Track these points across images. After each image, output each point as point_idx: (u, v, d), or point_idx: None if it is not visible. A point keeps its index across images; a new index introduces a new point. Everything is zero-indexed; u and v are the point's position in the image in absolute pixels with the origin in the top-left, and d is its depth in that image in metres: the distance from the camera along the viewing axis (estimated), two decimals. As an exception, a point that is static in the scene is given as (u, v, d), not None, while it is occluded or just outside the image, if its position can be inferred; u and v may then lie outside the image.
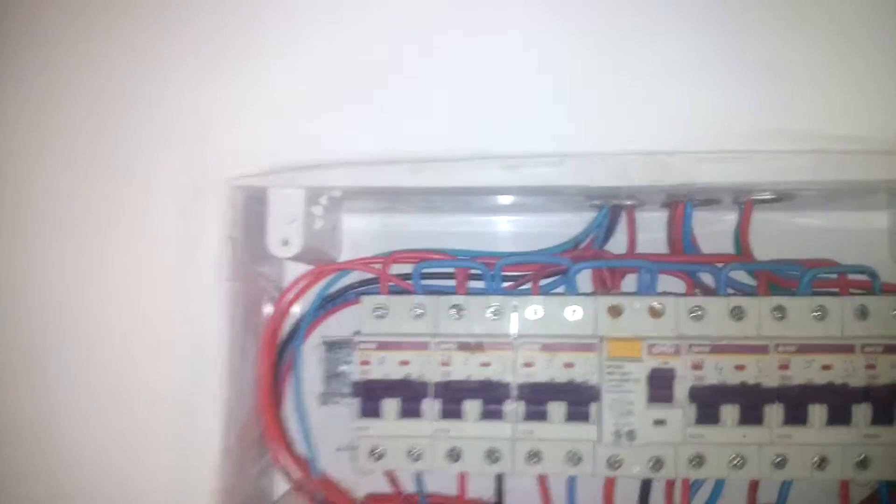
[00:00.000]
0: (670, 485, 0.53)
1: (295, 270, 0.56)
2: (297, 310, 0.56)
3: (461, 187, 0.49)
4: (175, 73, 0.52)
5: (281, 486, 0.57)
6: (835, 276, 0.52)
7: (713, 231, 0.56)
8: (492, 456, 0.51)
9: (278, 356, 0.56)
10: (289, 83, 0.51)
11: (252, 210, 0.49)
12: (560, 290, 0.54)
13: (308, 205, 0.49)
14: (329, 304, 0.56)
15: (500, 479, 0.54)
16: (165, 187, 0.50)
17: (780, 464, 0.49)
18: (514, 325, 0.51)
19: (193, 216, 0.49)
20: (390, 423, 0.50)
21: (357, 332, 0.51)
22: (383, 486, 0.56)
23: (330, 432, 0.54)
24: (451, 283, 0.54)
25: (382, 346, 0.50)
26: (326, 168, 0.48)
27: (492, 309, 0.51)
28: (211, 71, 0.51)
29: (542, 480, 0.52)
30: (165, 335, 0.49)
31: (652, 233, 0.57)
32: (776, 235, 0.57)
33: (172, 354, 0.48)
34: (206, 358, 0.48)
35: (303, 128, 0.50)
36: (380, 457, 0.51)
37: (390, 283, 0.54)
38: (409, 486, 0.54)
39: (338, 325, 0.56)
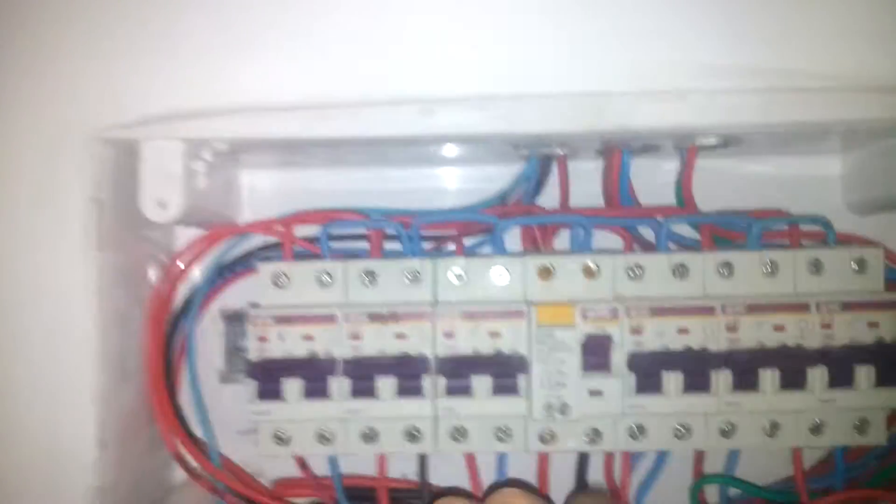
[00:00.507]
0: (609, 458, 0.48)
1: (188, 236, 0.49)
2: (193, 279, 0.49)
3: (370, 137, 0.42)
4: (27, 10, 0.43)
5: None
6: (785, 227, 0.48)
7: (653, 182, 0.51)
8: (411, 435, 0.45)
9: (170, 332, 0.49)
10: (165, 20, 0.43)
11: (124, 167, 0.42)
12: (487, 251, 0.48)
13: (188, 160, 0.42)
14: (227, 272, 0.49)
15: (423, 457, 0.48)
16: (21, 144, 0.42)
17: (728, 432, 0.45)
18: (432, 292, 0.45)
19: (55, 176, 0.41)
20: (293, 405, 0.44)
21: (253, 305, 0.45)
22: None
23: (234, 414, 0.49)
24: (365, 246, 0.48)
25: (282, 319, 0.44)
26: (208, 117, 0.41)
27: (408, 273, 0.45)
28: (71, 7, 0.43)
29: (470, 458, 0.47)
30: (29, 315, 0.41)
31: (586, 185, 0.51)
32: (721, 185, 0.52)
33: (35, 337, 0.41)
34: (76, 339, 0.41)
35: (182, 71, 0.42)
36: (285, 441, 0.45)
37: (296, 248, 0.47)
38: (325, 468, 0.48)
39: (239, 295, 0.50)
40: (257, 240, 0.50)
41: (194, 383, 0.48)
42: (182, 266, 0.49)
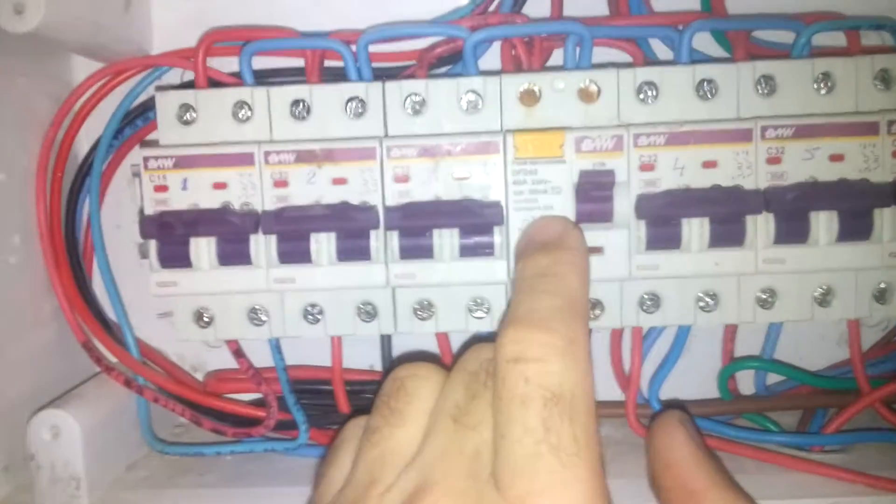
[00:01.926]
0: (616, 336, 0.38)
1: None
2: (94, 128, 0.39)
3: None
4: None
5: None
6: (842, 37, 0.37)
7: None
8: (364, 311, 0.36)
9: (74, 194, 0.39)
10: None
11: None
12: (457, 77, 0.37)
13: (46, -54, 0.32)
14: (138, 119, 0.39)
15: (385, 340, 0.39)
16: None
17: (768, 301, 0.35)
18: (382, 125, 0.34)
19: None
20: (207, 273, 0.34)
21: (148, 144, 0.35)
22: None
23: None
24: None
25: (185, 162, 0.34)
26: None
27: (351, 102, 0.35)
28: None
29: (442, 339, 0.38)
30: None
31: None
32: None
33: None
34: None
35: None
36: (208, 322, 0.36)
37: (217, 84, 0.37)
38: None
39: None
40: (171, 80, 0.39)
41: (101, 256, 0.39)
42: (77, 108, 0.38)
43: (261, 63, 0.37)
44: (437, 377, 0.25)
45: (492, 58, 0.38)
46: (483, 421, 0.22)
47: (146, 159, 0.34)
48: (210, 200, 0.34)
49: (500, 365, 0.22)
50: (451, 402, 0.23)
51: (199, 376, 0.44)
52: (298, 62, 0.38)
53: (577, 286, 0.25)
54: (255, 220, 0.34)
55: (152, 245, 0.34)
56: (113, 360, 0.40)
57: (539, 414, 0.21)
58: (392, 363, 0.40)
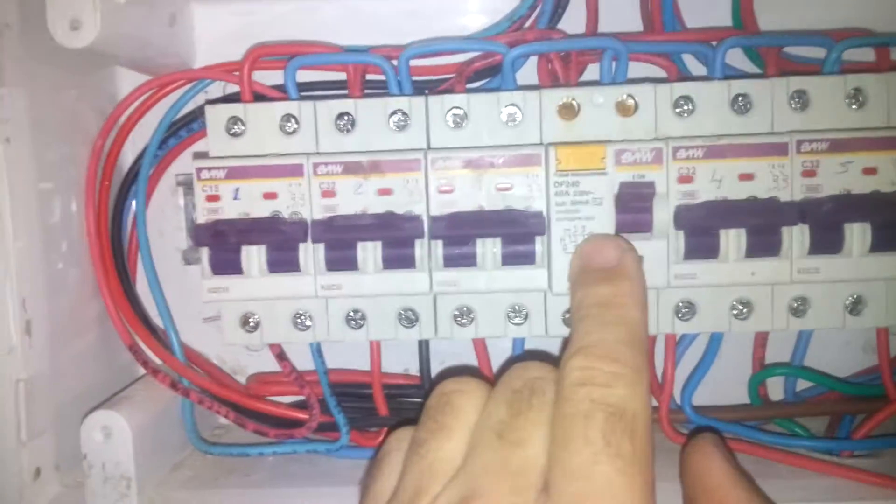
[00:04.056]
0: (650, 342, 0.39)
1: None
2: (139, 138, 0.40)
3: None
4: None
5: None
6: (871, 52, 0.38)
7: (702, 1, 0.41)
8: (405, 317, 0.37)
9: (120, 202, 0.41)
10: None
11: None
12: (496, 91, 0.38)
13: (104, -34, 0.33)
14: (182, 130, 0.40)
15: (423, 345, 0.40)
16: None
17: (800, 309, 0.36)
18: (425, 137, 0.36)
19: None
20: (256, 280, 0.36)
21: (200, 156, 0.36)
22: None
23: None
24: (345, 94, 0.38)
25: (236, 173, 0.35)
26: None
27: (394, 116, 0.36)
28: None
29: (479, 345, 0.39)
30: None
31: (621, 11, 0.41)
32: (788, 9, 0.42)
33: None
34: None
35: None
36: (254, 326, 0.37)
37: (260, 97, 0.38)
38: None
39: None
40: (215, 92, 0.41)
41: (147, 262, 0.40)
42: (124, 120, 0.40)
43: (301, 76, 0.38)
44: (483, 393, 0.25)
45: (528, 71, 0.39)
46: (526, 438, 0.23)
47: (199, 170, 0.35)
48: (261, 210, 0.35)
49: (565, 388, 0.23)
50: (494, 418, 0.24)
51: (240, 379, 0.45)
52: (337, 75, 0.39)
53: (639, 318, 0.26)
54: (304, 229, 0.35)
55: (204, 252, 0.35)
56: (158, 362, 0.41)
57: (601, 428, 0.21)
58: (433, 376, 0.40)
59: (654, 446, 0.22)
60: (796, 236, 0.34)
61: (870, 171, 0.34)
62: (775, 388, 0.41)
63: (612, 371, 0.23)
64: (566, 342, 0.25)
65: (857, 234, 0.34)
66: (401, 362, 0.44)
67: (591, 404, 0.22)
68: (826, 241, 0.34)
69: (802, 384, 0.41)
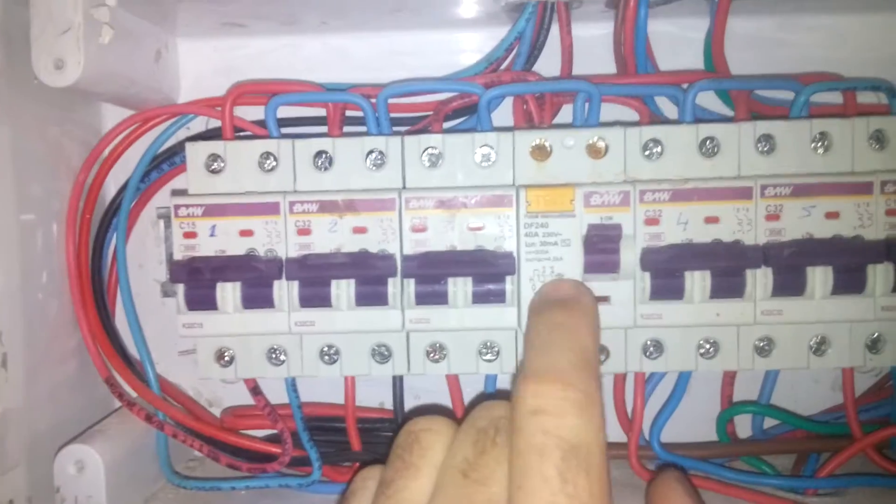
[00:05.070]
0: (619, 380, 0.40)
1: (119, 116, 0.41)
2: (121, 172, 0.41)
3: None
4: None
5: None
6: (839, 95, 0.38)
7: (676, 42, 0.42)
8: (379, 353, 0.37)
9: (101, 235, 0.41)
10: None
11: (14, 17, 0.34)
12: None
13: (88, 6, 0.33)
14: (164, 164, 0.41)
15: (397, 381, 0.40)
16: None
17: (766, 349, 0.36)
18: (401, 176, 0.36)
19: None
20: (231, 316, 0.36)
21: (177, 193, 0.37)
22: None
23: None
24: (324, 130, 0.39)
25: (213, 211, 0.36)
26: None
27: (371, 154, 0.36)
28: None
29: (452, 380, 0.39)
30: None
31: (594, 53, 0.42)
32: (759, 50, 0.43)
33: None
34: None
35: None
36: (229, 361, 0.38)
37: (241, 132, 0.39)
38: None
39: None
40: (198, 127, 0.41)
41: (126, 295, 0.40)
42: (107, 154, 0.40)
43: (283, 111, 0.39)
44: (450, 431, 0.26)
45: (504, 111, 0.40)
46: (491, 476, 0.23)
47: (177, 207, 0.36)
48: (236, 247, 0.36)
49: (518, 417, 0.23)
50: (460, 456, 0.24)
51: (215, 411, 0.45)
52: (318, 110, 0.40)
53: (589, 342, 0.26)
54: (278, 267, 0.35)
55: (180, 288, 0.36)
56: (133, 395, 0.41)
57: (556, 465, 0.21)
58: (406, 412, 0.41)
59: (609, 478, 0.22)
60: (760, 279, 0.35)
61: (832, 216, 0.35)
62: (743, 426, 0.42)
63: (563, 397, 0.23)
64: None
65: (819, 277, 0.35)
66: (377, 396, 0.44)
67: (545, 437, 0.22)
68: (789, 283, 0.35)
69: (770, 422, 0.42)
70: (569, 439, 0.22)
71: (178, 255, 0.36)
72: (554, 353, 0.25)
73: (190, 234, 0.36)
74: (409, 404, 0.42)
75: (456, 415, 0.39)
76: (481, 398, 0.35)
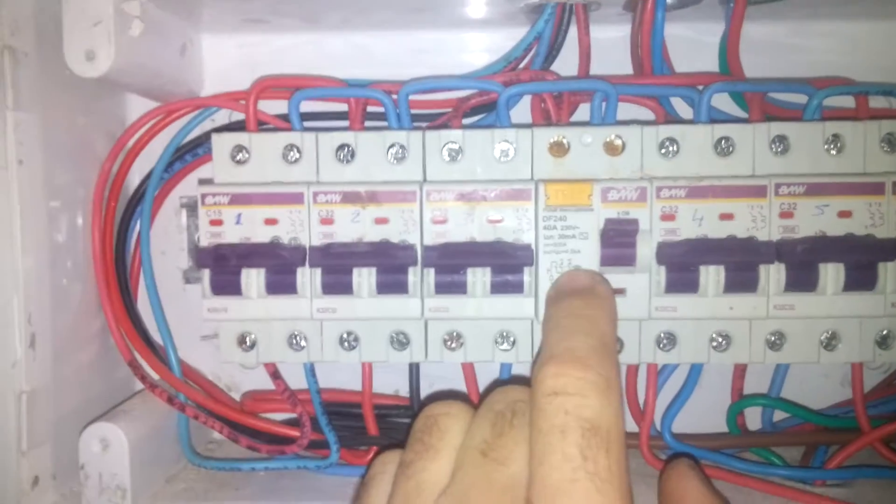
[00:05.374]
0: (632, 372, 0.41)
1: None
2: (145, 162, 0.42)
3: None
4: None
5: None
6: (851, 99, 0.39)
7: (692, 45, 0.43)
8: (397, 341, 0.38)
9: (125, 223, 0.42)
10: None
11: (47, 10, 0.35)
12: (490, 127, 0.40)
13: (119, 1, 0.34)
14: (187, 154, 0.42)
15: (413, 368, 0.41)
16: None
17: (777, 343, 0.37)
18: (421, 170, 0.37)
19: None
20: (254, 301, 0.37)
21: (205, 182, 0.38)
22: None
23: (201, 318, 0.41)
24: (344, 125, 0.40)
25: (239, 199, 0.37)
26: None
27: (393, 148, 0.37)
28: None
29: (468, 369, 0.40)
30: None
31: (611, 55, 0.43)
32: (773, 55, 0.44)
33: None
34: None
35: None
36: (251, 346, 0.38)
37: (263, 125, 0.40)
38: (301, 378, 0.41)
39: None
40: (221, 119, 0.42)
41: (149, 280, 0.41)
42: (132, 144, 0.41)
43: (305, 106, 0.40)
44: (467, 415, 0.26)
45: (522, 109, 0.40)
46: (510, 456, 0.24)
47: (204, 195, 0.37)
48: (261, 235, 0.37)
49: (538, 398, 0.24)
50: (479, 438, 0.25)
51: (234, 395, 0.46)
52: (339, 105, 0.41)
53: (607, 329, 0.27)
54: (302, 254, 0.36)
55: (206, 274, 0.37)
56: (156, 377, 0.42)
57: (577, 443, 0.22)
58: (422, 398, 0.42)
59: (628, 458, 0.23)
60: (773, 274, 0.36)
61: (845, 214, 0.36)
62: (753, 418, 0.43)
63: (583, 378, 0.23)
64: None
65: (831, 273, 0.36)
66: (392, 383, 0.45)
67: (566, 417, 0.23)
68: (801, 279, 0.36)
69: (779, 415, 0.42)
70: (589, 419, 0.22)
71: (204, 242, 0.37)
72: (573, 339, 0.25)
73: (216, 222, 0.37)
74: (423, 392, 0.43)
75: (471, 401, 0.40)
76: (496, 384, 0.36)
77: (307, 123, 0.39)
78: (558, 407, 0.23)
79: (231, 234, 0.37)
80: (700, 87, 0.39)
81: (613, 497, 0.22)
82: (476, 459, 0.24)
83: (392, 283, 0.36)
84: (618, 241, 0.35)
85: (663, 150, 0.37)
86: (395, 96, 0.39)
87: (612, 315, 0.28)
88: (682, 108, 0.41)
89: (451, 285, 0.36)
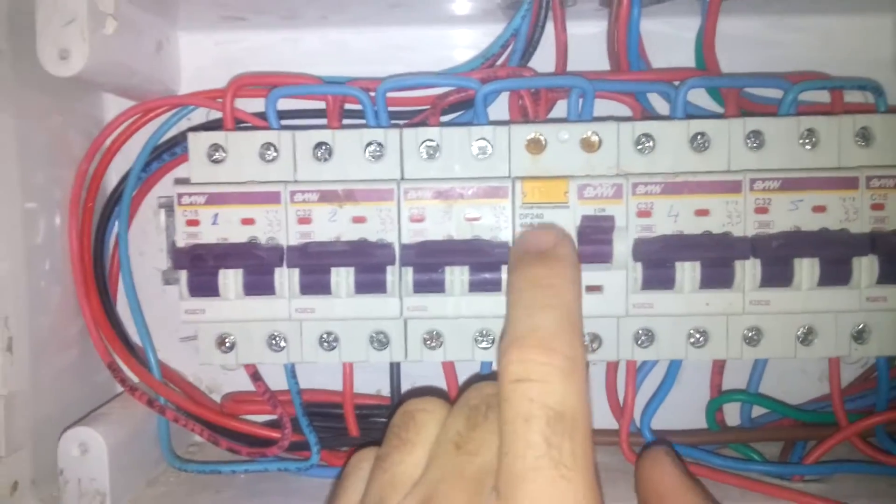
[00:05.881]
0: (612, 369, 0.41)
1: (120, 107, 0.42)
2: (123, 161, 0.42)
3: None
4: None
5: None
6: (827, 94, 0.39)
7: (668, 41, 0.43)
8: (377, 340, 0.38)
9: (103, 223, 0.42)
10: None
11: (21, 8, 0.35)
12: (468, 124, 0.40)
13: (93, -2, 0.34)
14: (165, 154, 0.42)
15: (394, 367, 0.41)
16: None
17: (754, 339, 0.37)
18: (399, 168, 0.37)
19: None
20: (232, 302, 0.37)
21: (181, 182, 0.38)
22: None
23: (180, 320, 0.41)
24: (322, 123, 0.40)
25: (216, 199, 0.37)
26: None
27: (370, 146, 0.37)
28: None
29: (448, 367, 0.40)
30: None
31: (588, 51, 0.43)
32: (749, 51, 0.44)
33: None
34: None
35: None
36: (230, 347, 0.38)
37: (241, 123, 0.40)
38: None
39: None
40: (198, 118, 0.42)
41: (128, 282, 0.41)
42: (109, 143, 0.41)
43: (283, 104, 0.39)
44: (443, 411, 0.27)
45: (500, 106, 0.41)
46: (482, 447, 0.24)
47: (180, 195, 0.36)
48: (238, 235, 0.37)
49: (504, 386, 0.23)
50: (453, 430, 0.25)
51: (215, 397, 0.46)
52: (317, 103, 0.41)
53: (572, 298, 0.26)
54: (279, 254, 0.36)
55: (183, 275, 0.37)
56: (135, 380, 0.42)
57: (541, 431, 0.22)
58: (402, 396, 0.42)
59: (592, 442, 0.23)
60: (748, 270, 0.36)
61: (819, 209, 0.36)
62: (732, 414, 0.43)
63: (547, 363, 0.23)
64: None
65: (807, 268, 0.36)
66: (373, 383, 0.45)
67: (530, 405, 0.22)
68: (776, 274, 0.36)
69: (758, 410, 0.43)
70: (553, 406, 0.22)
71: (180, 243, 0.37)
72: (537, 316, 0.25)
73: (193, 222, 0.36)
74: (405, 390, 0.42)
75: (449, 398, 0.39)
76: (476, 379, 0.36)
77: (285, 121, 0.39)
78: (522, 395, 0.23)
79: (208, 235, 0.37)
80: (676, 83, 0.39)
81: (578, 483, 0.22)
82: (449, 452, 0.25)
83: (370, 282, 0.36)
84: (594, 238, 0.35)
85: (639, 147, 0.37)
86: (372, 93, 0.39)
87: (576, 280, 0.27)
88: (658, 104, 0.41)
89: (429, 284, 0.36)
